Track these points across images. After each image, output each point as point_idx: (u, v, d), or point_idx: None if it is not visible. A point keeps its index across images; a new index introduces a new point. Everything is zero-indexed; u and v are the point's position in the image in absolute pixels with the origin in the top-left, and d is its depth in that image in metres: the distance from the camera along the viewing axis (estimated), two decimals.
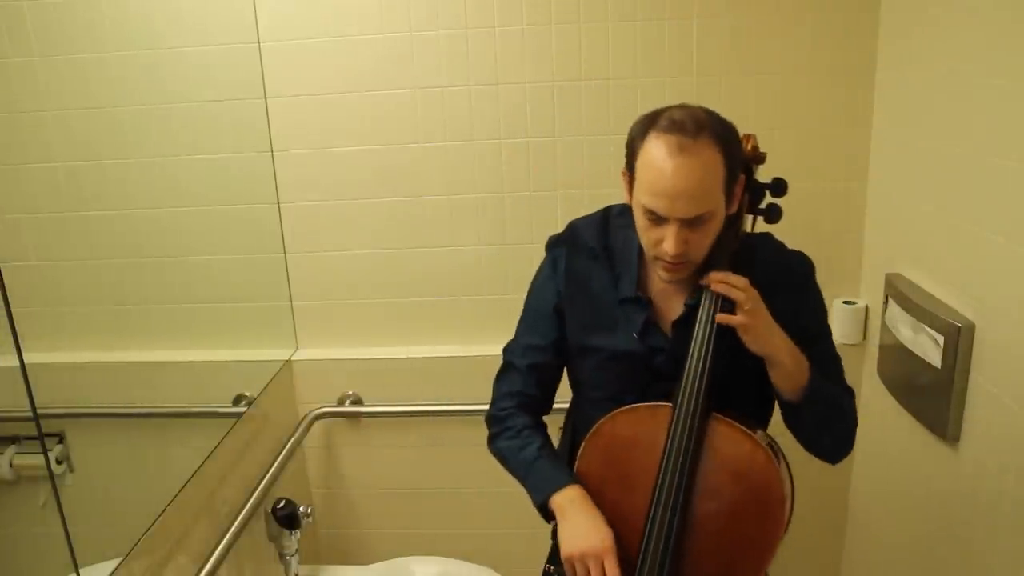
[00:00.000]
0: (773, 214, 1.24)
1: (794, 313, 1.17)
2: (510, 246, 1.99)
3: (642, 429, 1.19)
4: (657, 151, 1.07)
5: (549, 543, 1.43)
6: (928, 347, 1.52)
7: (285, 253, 2.06)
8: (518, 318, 1.38)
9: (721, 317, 1.12)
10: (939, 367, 1.49)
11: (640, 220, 1.14)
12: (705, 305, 1.16)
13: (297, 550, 1.69)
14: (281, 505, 1.64)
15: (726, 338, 1.14)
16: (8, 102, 1.31)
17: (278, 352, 2.08)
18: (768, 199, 1.25)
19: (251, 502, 1.71)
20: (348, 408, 2.10)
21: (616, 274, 1.26)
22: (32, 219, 1.37)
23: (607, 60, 1.86)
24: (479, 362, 2.03)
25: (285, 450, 1.92)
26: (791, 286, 1.21)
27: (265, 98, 1.94)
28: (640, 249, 1.22)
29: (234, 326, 1.93)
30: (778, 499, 1.13)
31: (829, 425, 1.22)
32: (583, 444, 1.24)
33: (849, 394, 1.26)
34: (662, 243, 1.11)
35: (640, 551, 1.15)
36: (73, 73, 1.42)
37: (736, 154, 1.12)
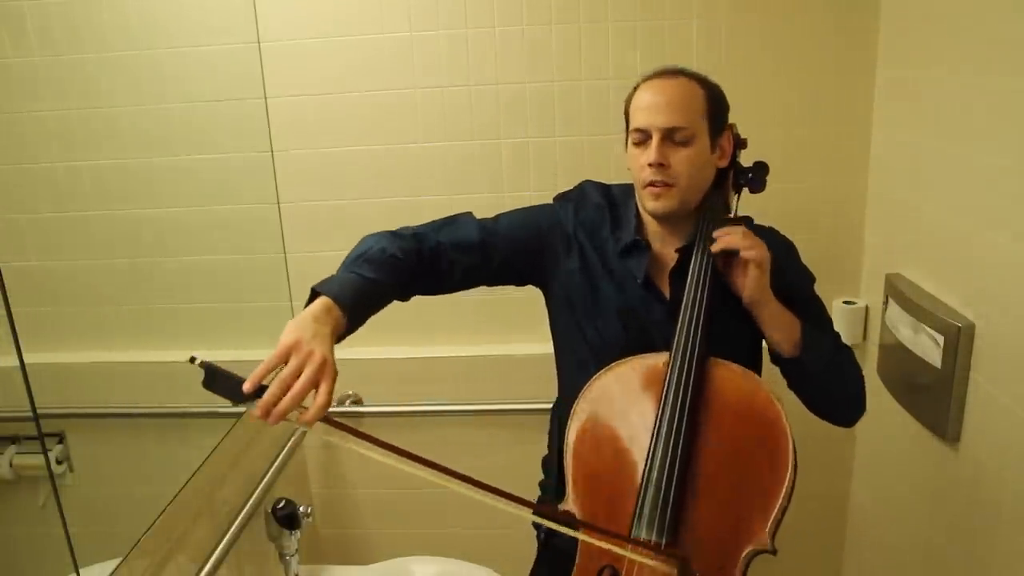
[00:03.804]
0: (756, 183, 1.32)
1: (781, 273, 1.20)
2: None
3: (636, 379, 1.18)
4: (642, 88, 1.22)
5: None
6: (928, 347, 1.52)
7: (285, 253, 2.06)
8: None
9: (745, 254, 1.15)
10: (939, 367, 1.49)
11: (631, 152, 1.22)
12: (698, 250, 1.21)
13: (297, 550, 1.69)
14: (281, 505, 1.64)
15: (719, 283, 1.18)
16: (8, 102, 1.31)
17: None
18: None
19: (251, 502, 1.71)
20: (348, 408, 2.10)
21: (617, 230, 1.30)
22: (32, 219, 1.37)
23: (607, 60, 1.86)
24: (479, 362, 2.03)
25: (285, 450, 1.92)
26: (775, 250, 1.23)
27: (265, 98, 1.94)
28: (637, 209, 1.28)
29: (234, 326, 1.93)
30: (783, 436, 1.10)
31: (835, 375, 1.23)
32: (576, 403, 1.21)
33: (848, 349, 1.29)
34: (647, 165, 1.18)
35: (638, 501, 1.09)
36: (73, 73, 1.42)
37: (720, 103, 1.23)
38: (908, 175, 1.70)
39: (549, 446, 1.45)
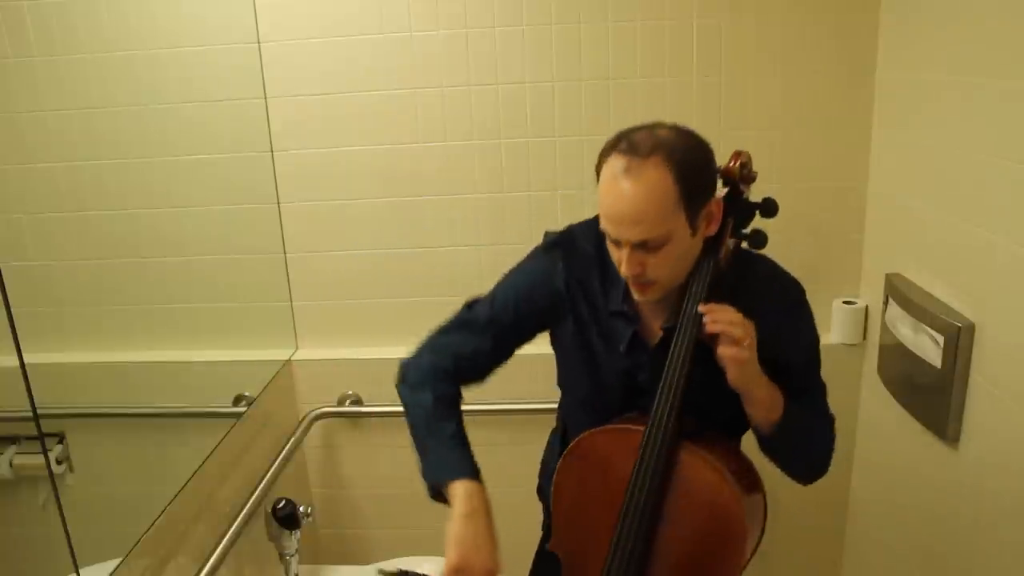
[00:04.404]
0: (757, 240, 1.21)
1: (778, 340, 1.15)
2: (510, 246, 1.97)
3: (616, 450, 1.19)
4: (608, 172, 1.07)
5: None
6: (928, 347, 1.52)
7: (285, 253, 2.06)
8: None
9: (724, 351, 1.08)
10: (939, 367, 1.49)
11: (608, 240, 1.14)
12: (680, 334, 1.15)
13: (297, 550, 1.69)
14: (281, 505, 1.64)
15: (701, 366, 1.13)
16: (8, 102, 1.31)
17: (278, 352, 2.08)
18: (758, 220, 1.22)
19: (251, 502, 1.71)
20: (348, 408, 2.10)
21: (607, 287, 1.24)
22: (32, 219, 1.37)
23: (607, 60, 1.86)
24: None
25: (285, 450, 1.92)
26: (778, 312, 1.18)
27: (265, 98, 1.94)
28: None
29: (234, 326, 1.93)
30: (739, 534, 1.12)
31: (801, 453, 1.23)
32: (560, 459, 1.26)
33: (827, 422, 1.26)
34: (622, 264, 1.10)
35: (604, 571, 1.16)
36: (73, 73, 1.42)
37: (698, 177, 1.08)
38: (908, 175, 1.70)
39: (557, 420, 1.48)
